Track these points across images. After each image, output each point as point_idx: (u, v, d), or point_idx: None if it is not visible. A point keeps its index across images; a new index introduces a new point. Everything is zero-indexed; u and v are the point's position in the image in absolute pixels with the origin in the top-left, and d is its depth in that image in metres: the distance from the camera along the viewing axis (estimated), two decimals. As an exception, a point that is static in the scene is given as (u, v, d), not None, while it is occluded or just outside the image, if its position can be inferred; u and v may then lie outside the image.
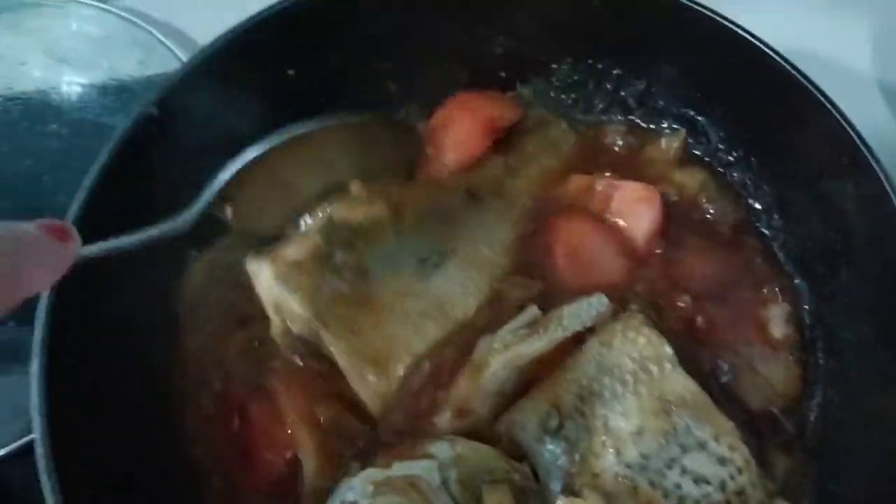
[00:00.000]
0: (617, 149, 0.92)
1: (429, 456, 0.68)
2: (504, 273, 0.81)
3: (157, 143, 0.75)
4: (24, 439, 0.85)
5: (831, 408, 0.77)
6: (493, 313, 0.78)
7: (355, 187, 0.82)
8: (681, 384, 0.72)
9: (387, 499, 0.65)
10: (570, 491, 0.68)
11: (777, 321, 0.81)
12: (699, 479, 0.69)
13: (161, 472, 0.74)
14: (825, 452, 0.75)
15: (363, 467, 0.69)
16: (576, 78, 0.94)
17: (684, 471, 0.69)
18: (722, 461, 0.70)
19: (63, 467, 0.62)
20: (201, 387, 0.79)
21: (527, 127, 0.92)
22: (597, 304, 0.75)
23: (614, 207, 0.85)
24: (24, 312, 0.96)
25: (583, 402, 0.72)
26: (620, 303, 0.79)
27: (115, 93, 1.10)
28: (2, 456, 0.86)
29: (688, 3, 0.80)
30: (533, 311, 0.75)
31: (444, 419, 0.73)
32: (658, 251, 0.84)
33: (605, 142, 0.92)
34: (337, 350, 0.74)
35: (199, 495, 0.75)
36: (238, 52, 0.79)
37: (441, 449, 0.68)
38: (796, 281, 0.84)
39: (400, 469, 0.67)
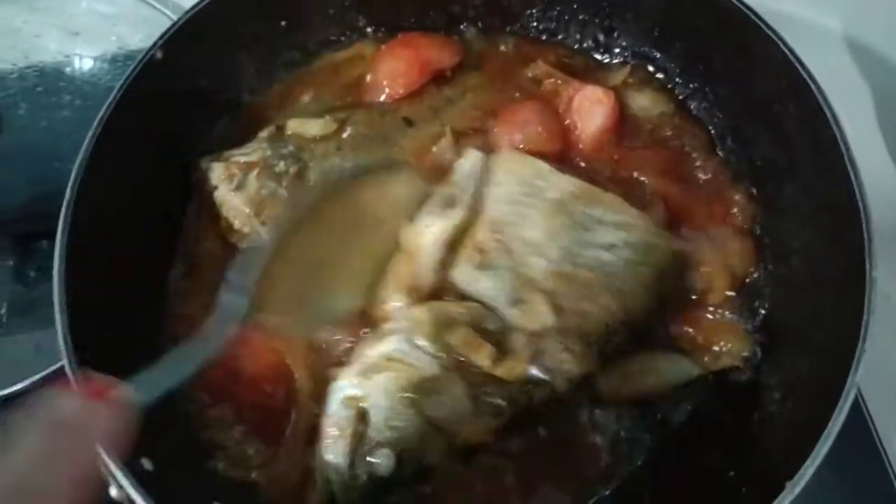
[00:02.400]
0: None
1: (393, 332, 0.77)
2: None
3: (161, 85, 0.84)
4: (53, 367, 0.92)
5: (778, 306, 0.84)
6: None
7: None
8: (565, 183, 0.84)
9: (374, 380, 0.74)
10: (517, 301, 0.78)
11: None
12: (608, 246, 0.82)
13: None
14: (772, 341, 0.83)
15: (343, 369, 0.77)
16: (542, 25, 1.02)
17: (596, 245, 0.82)
18: (618, 226, 0.83)
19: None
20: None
21: (472, 63, 1.01)
22: (473, 159, 0.87)
23: (574, 108, 0.94)
24: (42, 268, 1.05)
25: (500, 233, 0.82)
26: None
27: (124, 63, 1.16)
28: (30, 384, 0.93)
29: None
30: (443, 192, 0.85)
31: (396, 302, 0.81)
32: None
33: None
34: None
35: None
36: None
37: (399, 324, 0.78)
38: (748, 196, 0.91)
39: (373, 353, 0.76)
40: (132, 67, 0.82)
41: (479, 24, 1.03)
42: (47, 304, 0.91)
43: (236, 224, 0.87)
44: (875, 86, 1.14)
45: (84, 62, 1.18)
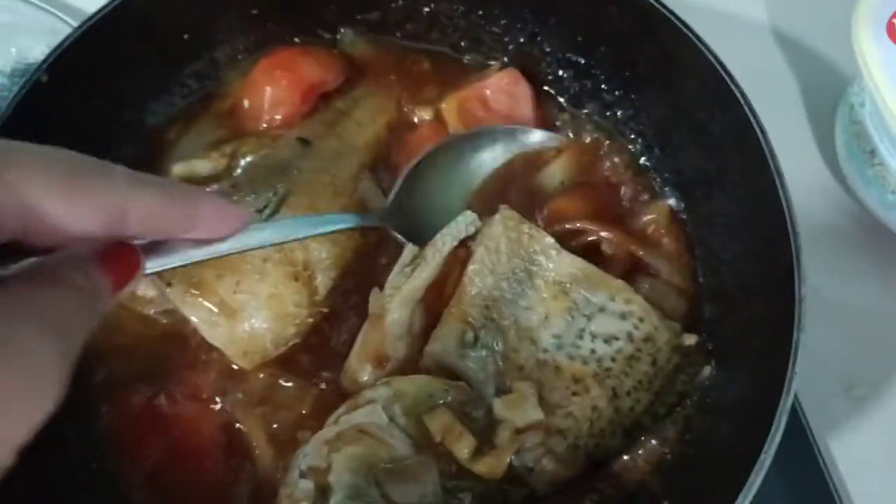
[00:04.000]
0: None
1: (370, 401, 0.74)
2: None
3: (48, 111, 0.77)
4: None
5: (715, 319, 0.84)
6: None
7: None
8: (569, 264, 0.80)
9: (342, 452, 0.70)
10: (502, 390, 0.76)
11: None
12: (608, 338, 0.78)
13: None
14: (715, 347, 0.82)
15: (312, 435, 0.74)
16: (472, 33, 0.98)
17: (594, 336, 0.78)
18: (623, 315, 0.79)
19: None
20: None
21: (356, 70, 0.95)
22: (463, 219, 0.83)
23: (493, 102, 0.91)
24: None
25: (490, 310, 0.79)
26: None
27: (23, 76, 1.09)
28: None
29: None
30: (410, 248, 0.82)
31: (365, 373, 0.78)
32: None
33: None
34: (183, 306, 0.78)
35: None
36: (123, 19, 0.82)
37: (379, 392, 0.74)
38: (678, 206, 0.90)
39: (347, 422, 0.73)
40: (13, 95, 0.75)
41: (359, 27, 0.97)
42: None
43: (139, 289, 0.80)
44: (802, 78, 1.15)
45: (-11, 75, 1.09)
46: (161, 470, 0.78)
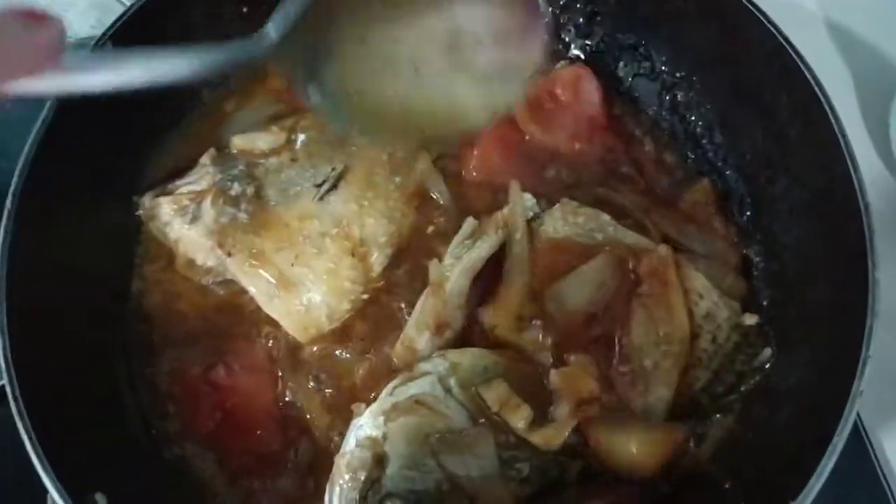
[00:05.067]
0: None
1: (426, 373, 0.73)
2: (403, 190, 0.84)
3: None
4: None
5: (775, 303, 0.82)
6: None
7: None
8: (630, 237, 0.80)
9: (398, 422, 0.70)
10: (559, 361, 0.75)
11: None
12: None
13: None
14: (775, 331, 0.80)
15: (367, 406, 0.74)
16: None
17: None
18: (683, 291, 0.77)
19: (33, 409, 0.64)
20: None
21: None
22: (520, 201, 0.82)
23: (562, 96, 0.90)
24: None
25: (546, 286, 0.77)
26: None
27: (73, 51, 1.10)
28: None
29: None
30: (471, 221, 0.81)
31: (423, 340, 0.77)
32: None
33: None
34: (242, 276, 0.78)
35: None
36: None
37: (435, 364, 0.74)
38: (739, 191, 0.88)
39: (402, 393, 0.72)
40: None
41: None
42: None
43: (199, 259, 0.81)
44: (855, 67, 1.13)
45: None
46: (219, 437, 0.78)
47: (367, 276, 0.81)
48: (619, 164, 0.91)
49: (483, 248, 0.78)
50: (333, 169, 0.82)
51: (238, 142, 0.85)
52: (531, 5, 0.69)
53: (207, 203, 0.80)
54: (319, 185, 0.81)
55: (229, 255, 0.77)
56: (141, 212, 0.83)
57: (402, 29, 0.68)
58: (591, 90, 0.90)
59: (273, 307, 0.78)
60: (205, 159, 0.84)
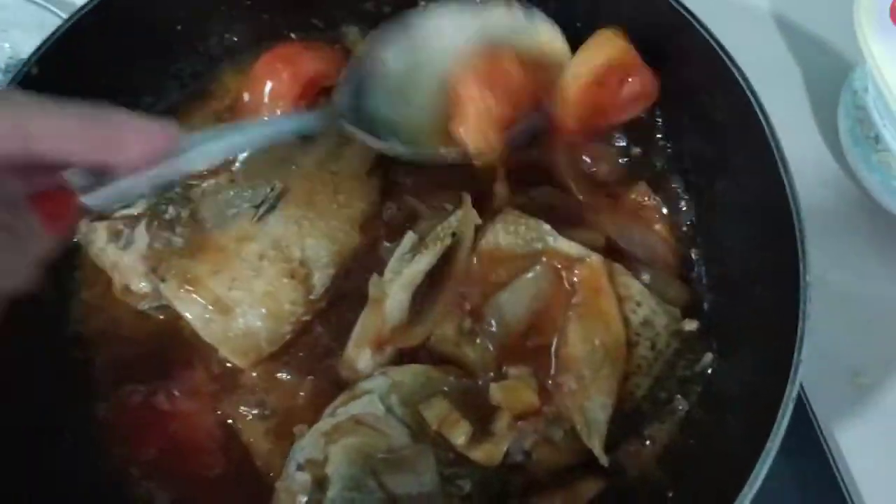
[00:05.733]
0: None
1: (367, 392, 0.73)
2: (345, 212, 0.84)
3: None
4: None
5: (716, 307, 0.83)
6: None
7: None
8: (567, 247, 0.79)
9: (339, 444, 0.70)
10: (500, 376, 0.75)
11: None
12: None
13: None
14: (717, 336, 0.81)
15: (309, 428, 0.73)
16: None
17: None
18: (619, 299, 0.78)
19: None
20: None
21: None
22: (471, 212, 0.81)
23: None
24: None
25: (492, 301, 0.77)
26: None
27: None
28: None
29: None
30: (410, 236, 0.81)
31: (364, 359, 0.77)
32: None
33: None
34: (176, 301, 0.77)
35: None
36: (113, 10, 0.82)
37: (376, 382, 0.74)
38: (680, 194, 0.89)
39: (344, 413, 0.72)
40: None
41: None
42: None
43: (133, 284, 0.80)
44: (804, 64, 1.13)
45: (-24, 70, 1.08)
46: (160, 465, 0.77)
47: (307, 298, 0.80)
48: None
49: (422, 262, 0.78)
50: (272, 189, 0.81)
51: None
52: None
53: (142, 228, 0.79)
54: (258, 206, 0.80)
55: (163, 280, 0.76)
56: (78, 237, 0.82)
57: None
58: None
59: (209, 332, 0.77)
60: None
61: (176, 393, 0.78)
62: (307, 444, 0.71)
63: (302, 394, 0.78)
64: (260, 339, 0.78)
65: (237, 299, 0.77)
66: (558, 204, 0.86)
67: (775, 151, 0.72)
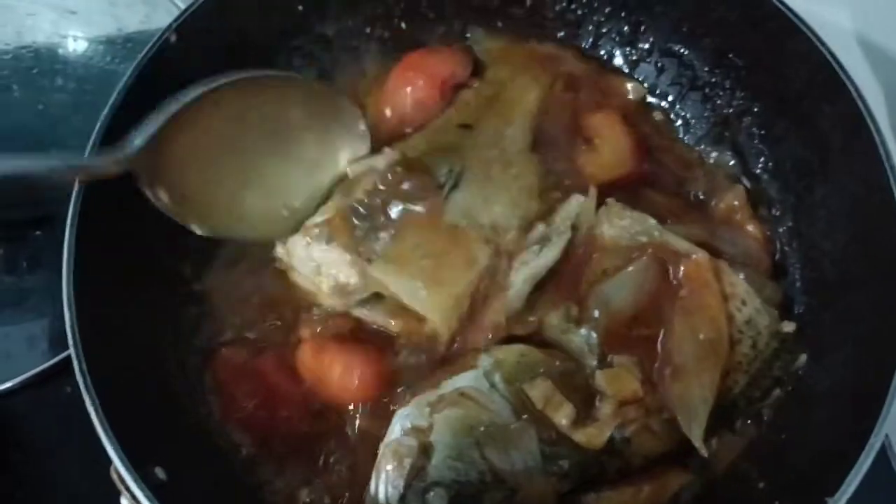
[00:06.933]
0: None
1: (472, 367, 0.76)
2: (521, 182, 0.86)
3: (173, 69, 0.79)
4: (50, 362, 0.91)
5: (811, 309, 0.84)
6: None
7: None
8: (674, 241, 0.81)
9: (444, 414, 0.72)
10: (604, 363, 0.77)
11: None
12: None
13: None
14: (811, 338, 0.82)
15: (413, 396, 0.76)
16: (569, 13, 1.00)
17: None
18: (725, 297, 0.79)
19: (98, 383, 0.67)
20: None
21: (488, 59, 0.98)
22: (576, 202, 0.83)
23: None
24: (33, 258, 1.03)
25: (592, 287, 0.80)
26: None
27: (122, 45, 1.12)
28: (25, 380, 0.92)
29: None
30: (540, 228, 0.82)
31: (482, 340, 0.79)
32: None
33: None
34: (385, 277, 0.80)
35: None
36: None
37: (481, 358, 0.77)
38: (777, 198, 0.90)
39: (448, 385, 0.75)
40: (143, 53, 0.79)
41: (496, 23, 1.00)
42: (39, 296, 0.95)
43: (342, 277, 0.82)
44: (886, 84, 1.13)
45: (79, 43, 1.14)
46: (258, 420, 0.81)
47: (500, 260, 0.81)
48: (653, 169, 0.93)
49: (548, 257, 0.80)
50: (450, 170, 0.84)
51: (354, 168, 0.87)
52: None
53: (337, 222, 0.82)
54: (441, 187, 0.83)
55: (369, 261, 0.80)
56: (277, 264, 0.87)
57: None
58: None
59: (420, 302, 0.78)
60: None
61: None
62: (412, 412, 0.73)
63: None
64: (462, 303, 0.79)
65: (441, 266, 0.79)
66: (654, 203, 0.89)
67: (884, 156, 0.74)
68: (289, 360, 0.82)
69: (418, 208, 0.81)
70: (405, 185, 0.83)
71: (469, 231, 0.81)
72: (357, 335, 0.83)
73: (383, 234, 0.81)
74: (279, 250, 0.85)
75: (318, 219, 0.84)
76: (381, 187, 0.82)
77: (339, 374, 0.79)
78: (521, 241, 0.81)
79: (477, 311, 0.80)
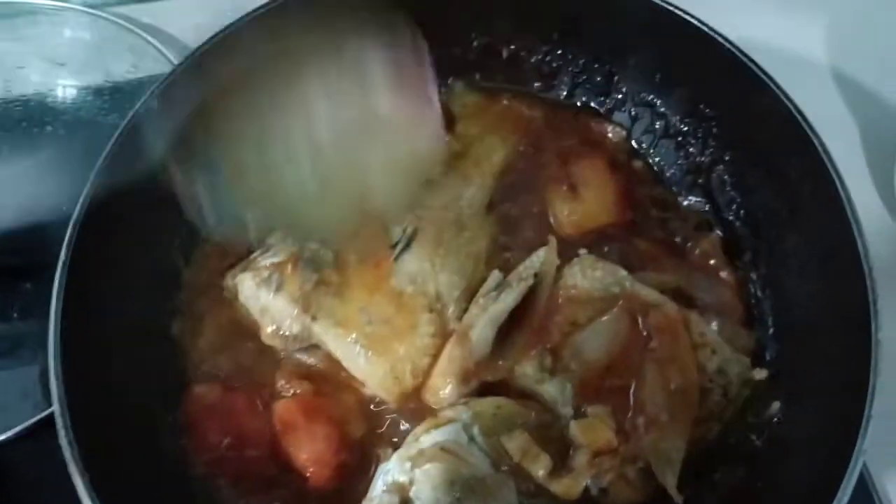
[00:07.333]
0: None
1: (452, 420, 0.77)
2: (471, 247, 0.89)
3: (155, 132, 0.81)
4: (42, 414, 0.91)
5: (783, 357, 0.86)
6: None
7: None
8: (644, 292, 0.83)
9: (424, 469, 0.73)
10: (578, 413, 0.78)
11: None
12: None
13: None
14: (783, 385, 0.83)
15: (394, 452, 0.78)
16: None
17: None
18: (694, 347, 0.81)
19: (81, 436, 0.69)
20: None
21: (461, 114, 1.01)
22: (542, 252, 0.86)
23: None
24: (24, 308, 1.04)
25: (573, 342, 0.81)
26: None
27: (110, 94, 1.14)
28: (17, 433, 0.91)
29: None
30: (496, 274, 0.86)
31: (448, 389, 0.81)
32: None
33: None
34: (327, 339, 0.82)
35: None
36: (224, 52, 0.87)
37: (459, 412, 0.78)
38: (750, 246, 0.92)
39: (428, 440, 0.76)
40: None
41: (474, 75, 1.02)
42: (30, 344, 0.94)
43: (285, 327, 0.83)
44: (862, 119, 1.15)
45: (68, 91, 1.15)
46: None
47: (444, 330, 0.84)
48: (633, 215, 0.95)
49: (508, 300, 0.82)
50: (404, 231, 0.86)
51: None
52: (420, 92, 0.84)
53: (289, 270, 0.83)
54: (394, 246, 0.85)
55: (314, 318, 0.81)
56: (225, 292, 0.88)
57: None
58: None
59: (359, 368, 0.81)
60: (272, 239, 0.88)
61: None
62: (393, 467, 0.75)
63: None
64: (406, 373, 0.81)
65: (382, 335, 0.81)
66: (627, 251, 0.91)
67: (848, 211, 0.76)
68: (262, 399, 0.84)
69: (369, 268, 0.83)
70: (359, 243, 0.85)
71: (415, 298, 0.83)
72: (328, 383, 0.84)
73: (331, 291, 0.83)
74: (228, 281, 0.87)
75: (268, 260, 0.85)
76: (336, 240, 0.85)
77: (304, 459, 0.81)
78: (461, 313, 0.83)
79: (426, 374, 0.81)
